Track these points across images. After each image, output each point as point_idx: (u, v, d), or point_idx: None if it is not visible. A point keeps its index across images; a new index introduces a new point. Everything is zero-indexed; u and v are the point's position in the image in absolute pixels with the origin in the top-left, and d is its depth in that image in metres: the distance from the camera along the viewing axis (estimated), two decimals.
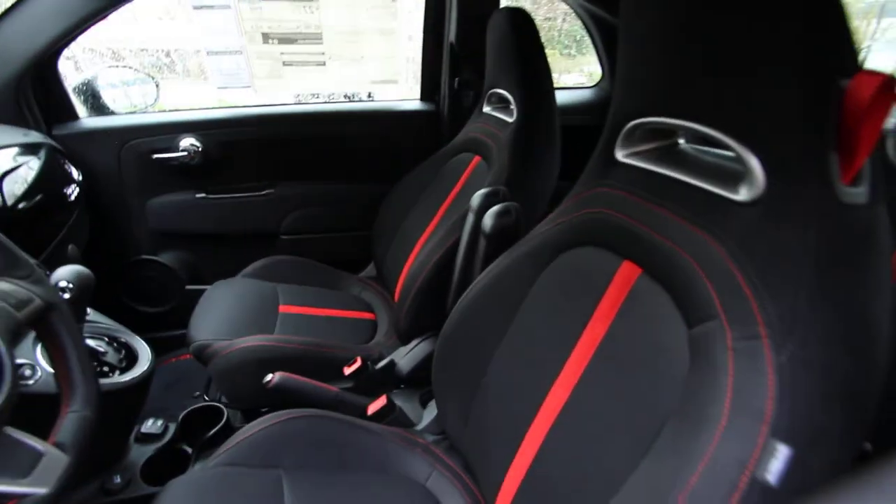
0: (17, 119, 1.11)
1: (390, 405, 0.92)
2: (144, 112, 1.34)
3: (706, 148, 0.60)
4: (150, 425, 0.94)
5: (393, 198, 1.41)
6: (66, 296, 0.70)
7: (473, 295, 0.78)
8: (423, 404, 1.03)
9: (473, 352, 0.77)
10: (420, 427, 0.92)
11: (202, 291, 1.40)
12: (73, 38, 1.11)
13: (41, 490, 0.43)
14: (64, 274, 0.69)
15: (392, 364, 1.07)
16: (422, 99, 1.56)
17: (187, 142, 1.31)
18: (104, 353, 0.79)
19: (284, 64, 1.30)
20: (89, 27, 1.10)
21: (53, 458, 0.46)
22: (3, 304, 0.48)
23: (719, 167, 0.54)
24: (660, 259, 0.53)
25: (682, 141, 0.63)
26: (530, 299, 0.71)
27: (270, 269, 1.34)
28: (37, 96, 1.16)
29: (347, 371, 1.03)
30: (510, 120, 1.10)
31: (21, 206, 0.92)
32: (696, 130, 0.49)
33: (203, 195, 1.39)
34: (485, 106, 1.27)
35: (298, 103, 1.49)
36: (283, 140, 1.42)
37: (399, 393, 1.05)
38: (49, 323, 0.54)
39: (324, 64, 1.30)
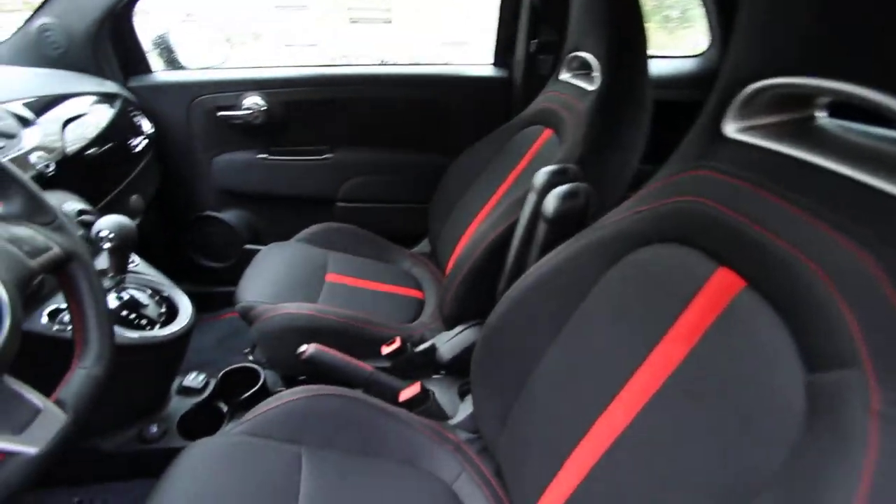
0: (95, 69, 1.15)
1: (423, 394, 0.85)
2: (214, 68, 1.34)
3: (860, 126, 0.44)
4: (192, 379, 0.95)
5: (454, 171, 1.31)
6: (107, 245, 0.69)
7: (526, 285, 0.68)
8: (462, 396, 0.95)
9: (520, 349, 0.68)
10: (454, 422, 0.85)
11: (258, 252, 1.42)
12: None
13: (31, 450, 0.40)
14: (106, 223, 0.68)
15: (433, 348, 1.00)
16: (494, 64, 1.43)
17: (251, 100, 1.30)
18: (145, 306, 0.79)
19: (351, 21, 1.23)
20: None
21: (51, 417, 0.43)
22: (16, 250, 0.45)
23: (883, 153, 0.39)
24: (775, 271, 0.39)
25: (821, 114, 0.48)
26: (592, 298, 0.60)
27: (324, 236, 1.31)
28: (115, 49, 1.18)
29: (385, 350, 0.97)
30: (591, 88, 0.95)
31: (89, 152, 0.95)
32: (863, 98, 0.34)
33: (265, 156, 1.39)
34: (563, 72, 1.12)
35: (363, 64, 1.42)
36: (346, 103, 1.37)
37: (437, 381, 0.99)
38: (68, 273, 0.52)
39: (389, 21, 1.21)
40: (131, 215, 1.09)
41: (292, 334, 0.95)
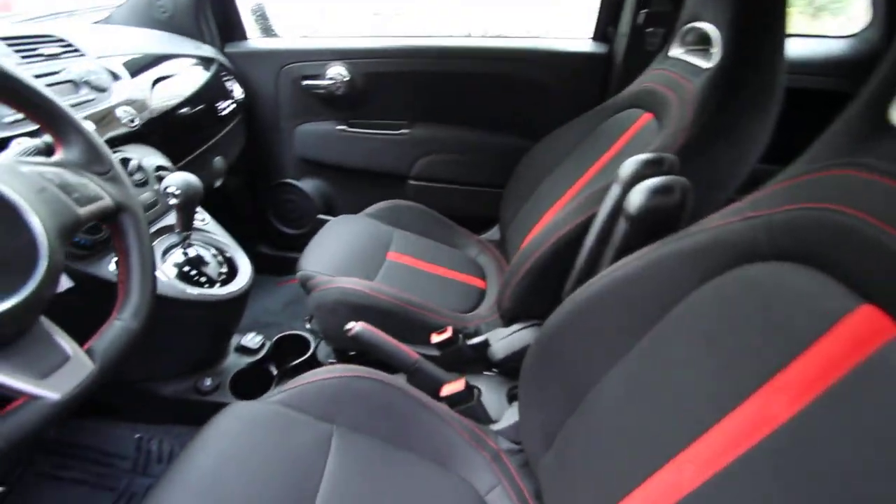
0: (196, 34, 1.20)
1: (467, 392, 0.79)
2: (302, 37, 1.36)
3: None
4: (250, 339, 0.97)
5: (535, 155, 1.21)
6: (173, 201, 0.71)
7: (595, 290, 0.58)
8: (510, 400, 0.88)
9: (579, 361, 0.59)
10: (497, 427, 0.78)
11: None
12: None
13: (52, 395, 0.40)
14: (174, 180, 0.69)
15: (486, 344, 0.93)
16: (593, 38, 1.28)
17: (335, 70, 1.29)
18: (207, 264, 0.81)
19: None
20: None
21: (79, 365, 0.43)
22: (65, 197, 0.45)
23: None
24: None
25: None
26: (676, 318, 0.49)
27: (392, 213, 1.29)
28: (215, 15, 1.23)
29: (435, 339, 0.92)
30: (707, 65, 0.79)
31: (179, 111, 0.99)
32: None
33: (343, 127, 1.39)
34: (674, 48, 0.96)
35: (450, 36, 1.35)
36: (428, 76, 1.31)
37: (485, 379, 0.92)
38: (118, 224, 0.52)
39: None
40: (213, 177, 1.15)
41: (345, 309, 0.94)
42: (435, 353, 0.94)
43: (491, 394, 0.90)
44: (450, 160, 1.40)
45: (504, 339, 0.92)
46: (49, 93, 0.48)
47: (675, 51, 0.96)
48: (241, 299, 0.84)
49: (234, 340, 0.98)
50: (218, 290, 0.79)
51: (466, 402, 0.79)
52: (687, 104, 0.79)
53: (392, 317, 0.94)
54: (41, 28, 0.77)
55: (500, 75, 1.30)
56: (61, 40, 0.78)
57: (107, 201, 0.50)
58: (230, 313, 0.88)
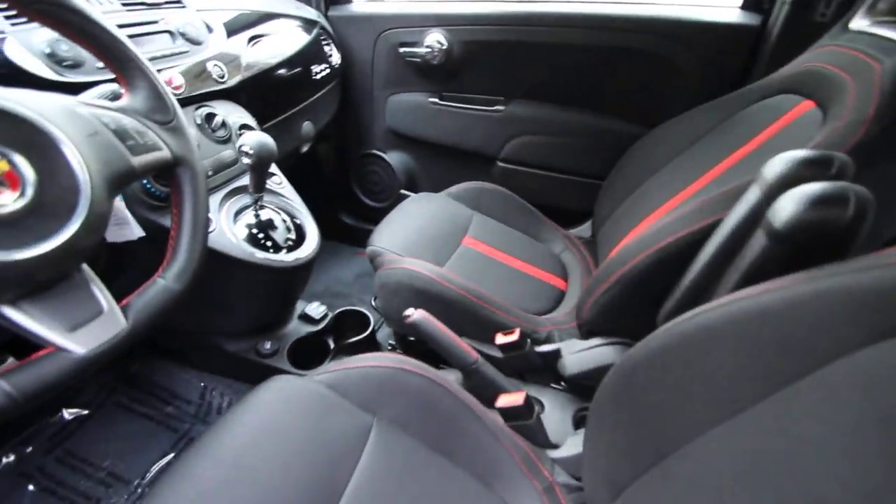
0: None
1: (526, 408, 0.69)
2: (404, 1, 1.29)
3: None
4: (314, 308, 0.96)
5: (647, 144, 1.04)
6: (246, 161, 0.69)
7: (711, 320, 0.45)
8: (576, 425, 0.76)
9: (669, 409, 0.46)
10: (556, 455, 0.67)
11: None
12: None
13: (77, 350, 0.39)
14: (248, 139, 0.67)
15: (557, 354, 0.82)
16: (743, 7, 1.06)
17: (434, 38, 1.22)
18: (275, 229, 0.79)
19: None
20: None
21: (111, 321, 0.41)
22: (119, 144, 0.43)
23: None
24: None
25: None
26: (828, 381, 0.35)
27: (474, 195, 1.20)
28: None
29: (499, 339, 0.83)
30: None
31: (275, 72, 0.99)
32: None
33: (435, 100, 1.31)
34: (858, 18, 0.74)
35: (563, 1, 1.20)
36: (531, 48, 1.18)
37: (550, 394, 0.81)
38: (175, 179, 0.50)
39: None
40: (300, 141, 1.15)
41: (408, 292, 0.88)
42: (497, 354, 0.85)
43: (554, 412, 0.79)
44: (545, 143, 1.27)
45: (579, 353, 0.80)
46: (119, 33, 0.46)
47: (859, 22, 0.74)
48: (305, 267, 0.81)
49: (300, 307, 0.98)
50: (283, 257, 0.77)
51: (524, 419, 0.69)
52: (871, 91, 0.59)
53: (456, 308, 0.86)
54: None
55: (618, 49, 1.13)
56: None
57: (164, 153, 0.47)
58: (294, 280, 0.87)
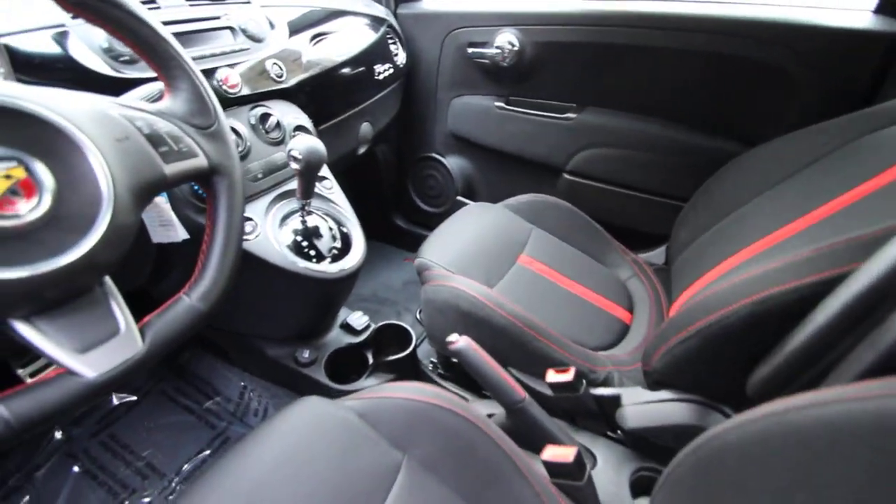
0: None
1: (577, 467, 0.60)
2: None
3: None
4: (356, 318, 0.92)
5: (745, 165, 0.90)
6: (294, 166, 0.65)
7: (835, 418, 0.33)
8: (634, 491, 0.66)
9: None
10: None
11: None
12: None
13: (86, 373, 0.36)
14: (297, 144, 0.63)
15: (616, 401, 0.72)
16: (878, 10, 0.89)
17: (505, 38, 1.14)
18: (320, 237, 0.75)
19: None
20: None
21: (126, 344, 0.38)
22: (151, 150, 0.40)
23: None
24: None
25: None
26: None
27: (534, 209, 1.10)
28: None
29: (551, 377, 0.74)
30: None
31: (336, 71, 0.96)
32: None
33: (501, 104, 1.23)
34: None
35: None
36: (611, 50, 1.07)
37: (605, 445, 0.72)
38: (211, 188, 0.47)
39: None
40: (358, 143, 1.12)
41: (454, 313, 0.81)
42: (547, 391, 0.76)
43: (608, 469, 0.69)
44: (619, 156, 1.15)
45: (643, 406, 0.69)
46: (163, 29, 0.43)
47: None
48: (349, 279, 0.77)
49: (342, 315, 0.95)
50: (326, 267, 0.74)
51: (573, 479, 0.60)
52: None
53: (505, 336, 0.78)
54: None
55: (714, 55, 0.99)
56: None
57: (200, 160, 0.44)
58: (336, 291, 0.83)
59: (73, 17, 0.55)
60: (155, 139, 0.41)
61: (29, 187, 0.33)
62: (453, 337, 0.74)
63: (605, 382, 0.77)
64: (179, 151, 0.42)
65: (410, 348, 0.86)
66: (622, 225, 1.17)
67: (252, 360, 0.93)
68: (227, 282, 0.46)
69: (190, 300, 0.44)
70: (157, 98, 0.47)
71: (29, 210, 0.33)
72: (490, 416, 0.83)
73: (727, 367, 0.62)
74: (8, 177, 0.32)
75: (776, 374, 0.54)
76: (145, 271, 0.74)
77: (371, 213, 1.53)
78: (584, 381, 0.74)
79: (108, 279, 0.40)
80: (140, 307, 0.83)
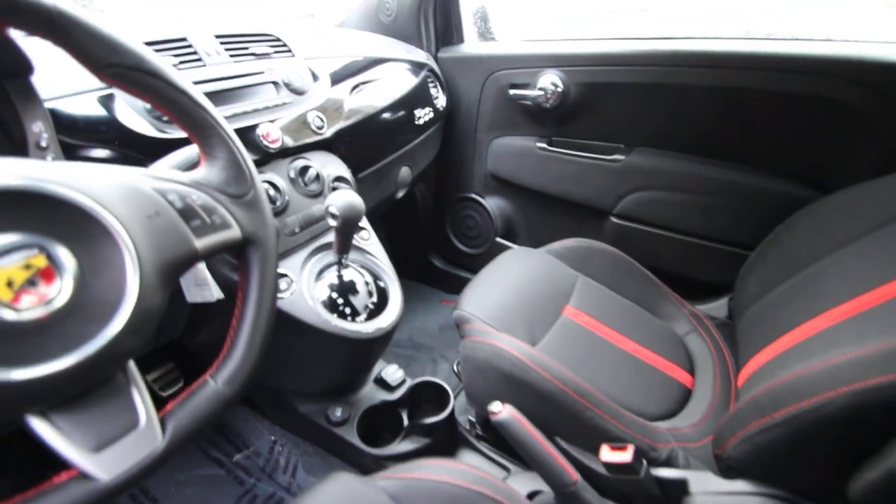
0: (415, 38, 1.16)
1: None
2: (517, 41, 1.20)
3: None
4: (391, 373, 0.88)
5: (822, 212, 0.81)
6: (332, 223, 0.62)
7: None
8: None
9: None
10: None
11: (508, 249, 1.27)
12: None
13: (100, 476, 0.32)
14: (335, 200, 0.61)
15: (682, 488, 0.63)
16: None
17: (548, 79, 1.10)
18: (356, 294, 0.72)
19: None
20: None
21: (145, 438, 0.35)
22: (183, 226, 0.38)
23: None
24: None
25: None
26: None
27: (580, 254, 1.04)
28: (436, 18, 1.17)
29: (606, 456, 0.66)
30: None
31: (375, 118, 0.94)
32: None
33: (544, 145, 1.19)
34: None
35: (705, 38, 1.01)
36: (663, 90, 1.01)
37: None
38: (244, 259, 0.44)
39: None
40: (397, 187, 1.10)
41: (495, 374, 0.75)
42: (601, 470, 0.68)
43: None
44: (674, 200, 1.08)
45: (716, 497, 0.60)
46: (201, 97, 0.41)
47: None
48: (384, 338, 0.73)
49: (377, 368, 0.90)
50: (362, 326, 0.70)
51: None
52: None
53: (552, 405, 0.71)
54: (257, 26, 0.78)
55: (779, 93, 0.92)
56: (276, 39, 0.79)
57: (233, 231, 0.41)
58: (371, 350, 0.79)
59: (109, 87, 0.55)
60: (187, 213, 0.38)
61: (49, 275, 0.30)
62: (496, 406, 0.67)
63: (668, 462, 0.69)
64: (212, 224, 0.40)
65: (448, 411, 0.80)
66: (677, 273, 1.08)
67: (283, 414, 0.90)
68: (255, 364, 0.42)
69: (216, 384, 0.40)
70: (194, 164, 0.45)
71: (48, 301, 0.30)
72: (535, 493, 0.76)
73: (819, 462, 0.52)
74: (28, 266, 0.30)
75: (890, 482, 0.44)
76: (179, 326, 0.72)
77: (408, 253, 1.51)
78: (643, 462, 0.65)
79: (131, 363, 0.37)
80: (171, 354, 0.81)
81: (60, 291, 0.31)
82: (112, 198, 0.34)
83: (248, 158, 0.44)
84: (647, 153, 1.09)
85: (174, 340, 0.78)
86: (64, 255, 0.31)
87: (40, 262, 0.30)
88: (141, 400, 0.36)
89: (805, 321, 0.68)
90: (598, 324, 0.90)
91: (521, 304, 0.90)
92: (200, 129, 0.42)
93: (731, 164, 1.00)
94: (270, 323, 0.44)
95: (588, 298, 0.95)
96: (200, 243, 0.39)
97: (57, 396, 0.32)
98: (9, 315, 0.29)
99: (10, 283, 0.29)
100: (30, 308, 0.30)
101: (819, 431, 0.50)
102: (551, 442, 0.70)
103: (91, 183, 0.33)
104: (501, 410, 0.66)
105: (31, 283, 0.30)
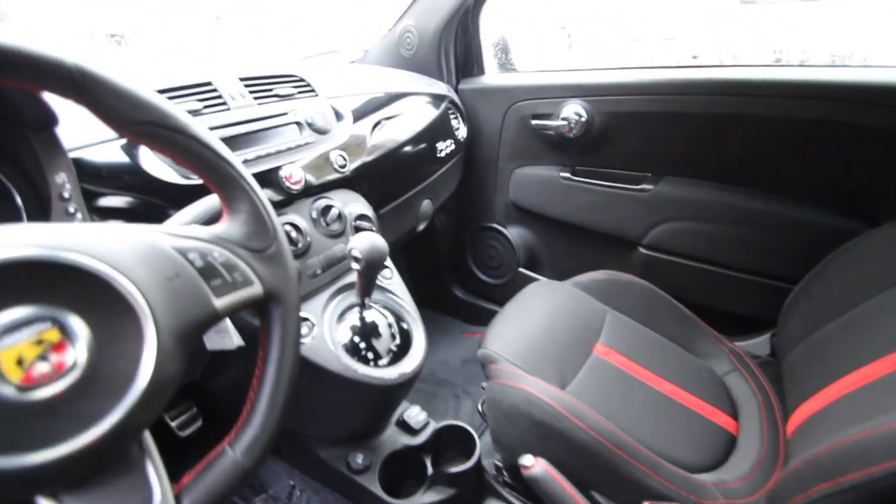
0: (435, 71, 1.17)
1: None
2: (539, 71, 1.19)
3: None
4: (414, 415, 0.84)
5: (871, 247, 0.76)
6: (355, 266, 0.61)
7: None
8: None
9: None
10: None
11: (531, 280, 1.23)
12: None
13: None
14: (358, 243, 0.59)
15: None
16: None
17: (571, 109, 1.09)
18: (379, 337, 0.69)
19: (743, 1, 0.83)
20: None
21: None
22: (203, 286, 0.36)
23: None
24: None
25: None
26: None
27: (608, 287, 1.00)
28: (456, 51, 1.18)
29: None
30: None
31: (396, 153, 0.94)
32: None
33: (567, 175, 1.17)
34: None
35: (734, 66, 0.98)
36: (693, 119, 0.98)
37: None
38: (265, 316, 0.42)
39: None
40: (418, 220, 1.08)
41: (525, 422, 0.71)
42: None
43: None
44: (707, 231, 1.03)
45: None
46: (223, 149, 0.40)
47: None
48: (408, 384, 0.70)
49: (398, 408, 0.86)
50: (385, 373, 0.67)
51: None
52: None
53: (587, 456, 0.66)
54: (282, 67, 0.79)
55: (818, 122, 0.88)
56: (300, 80, 0.79)
57: (255, 289, 0.39)
58: (395, 396, 0.76)
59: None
60: (208, 272, 0.37)
61: (61, 348, 0.29)
62: (527, 460, 0.63)
63: None
64: (233, 283, 0.38)
65: (474, 460, 0.76)
66: (712, 307, 1.03)
67: (303, 458, 0.87)
68: (276, 431, 0.40)
69: (234, 454, 0.38)
70: (216, 214, 0.44)
71: (60, 377, 0.28)
72: None
73: None
74: (39, 341, 0.28)
75: None
76: (198, 370, 0.71)
77: (428, 282, 1.48)
78: None
79: (146, 433, 0.35)
80: (190, 392, 0.79)
81: (74, 366, 0.29)
82: (130, 261, 0.32)
83: (272, 211, 0.43)
84: (676, 182, 1.05)
85: (193, 381, 0.76)
86: (78, 325, 0.29)
87: (53, 335, 0.28)
88: (156, 474, 0.34)
89: (859, 367, 0.63)
90: (631, 363, 0.85)
91: (549, 342, 0.86)
92: (224, 182, 0.40)
93: (767, 195, 0.96)
94: (292, 385, 0.42)
95: (619, 335, 0.91)
96: (220, 303, 0.37)
97: (70, 478, 0.30)
98: (19, 396, 0.27)
99: (20, 361, 0.27)
100: (41, 386, 0.28)
101: (893, 500, 0.45)
102: (587, 498, 0.66)
103: (107, 246, 0.32)
104: (534, 465, 0.62)
105: (42, 358, 0.28)
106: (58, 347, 0.29)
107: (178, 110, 0.37)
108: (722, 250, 1.02)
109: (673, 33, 1.02)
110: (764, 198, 0.96)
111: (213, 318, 0.37)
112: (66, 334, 0.29)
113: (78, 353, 0.29)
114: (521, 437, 0.72)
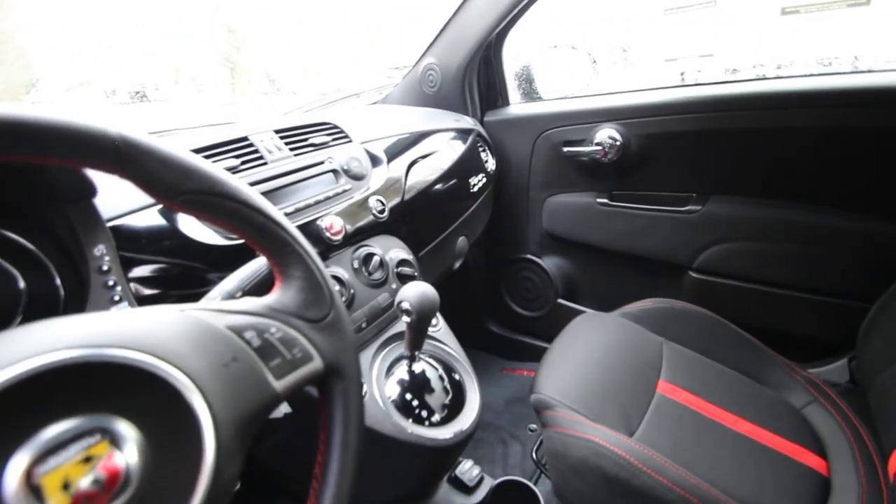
0: (460, 105, 1.15)
1: None
2: (567, 98, 1.17)
3: None
4: (466, 471, 0.78)
5: None
6: (406, 319, 0.57)
7: None
8: None
9: None
10: None
11: (572, 311, 1.17)
12: (517, 19, 1.02)
13: None
14: (408, 295, 0.55)
15: None
16: None
17: (605, 134, 1.05)
18: (431, 392, 0.64)
19: (784, 13, 0.79)
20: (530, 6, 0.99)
21: None
22: (261, 366, 0.32)
23: None
24: None
25: None
26: None
27: (661, 317, 0.93)
28: (479, 83, 1.17)
29: None
30: None
31: (432, 190, 0.91)
32: None
33: (605, 200, 1.12)
34: None
35: (778, 77, 0.94)
36: (741, 134, 0.94)
37: None
38: (326, 392, 0.38)
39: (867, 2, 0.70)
40: (454, 259, 1.04)
41: (596, 477, 0.65)
42: None
43: None
44: (765, 251, 0.97)
45: None
46: (275, 212, 0.37)
47: None
48: (464, 443, 0.64)
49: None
50: (440, 432, 0.62)
51: None
52: None
53: None
54: (314, 116, 0.78)
55: (872, 129, 0.82)
56: (334, 127, 0.78)
57: (315, 364, 0.36)
58: (450, 456, 0.70)
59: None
60: (266, 351, 0.33)
61: (110, 462, 0.25)
62: None
63: None
64: (293, 361, 0.34)
65: None
66: (778, 331, 0.95)
67: None
68: None
69: None
70: (263, 277, 0.40)
71: (111, 499, 0.24)
72: None
73: None
74: (87, 459, 0.24)
75: None
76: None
77: (461, 319, 1.43)
78: None
79: None
80: None
81: (126, 483, 0.25)
82: (183, 350, 0.29)
83: (328, 276, 0.39)
84: (726, 201, 1.00)
85: None
86: (129, 433, 0.26)
87: (102, 449, 0.25)
88: None
89: None
90: (700, 401, 0.78)
91: (607, 382, 0.79)
92: (276, 247, 0.37)
93: (826, 208, 0.90)
94: (355, 471, 0.37)
95: (682, 369, 0.84)
96: (281, 385, 0.33)
97: None
98: None
99: (66, 486, 0.23)
100: None
101: None
102: None
103: (156, 335, 0.28)
104: None
105: (90, 477, 0.24)
106: (108, 463, 0.25)
107: (227, 175, 0.35)
108: (783, 270, 0.95)
109: (710, 49, 0.99)
110: (824, 211, 0.90)
111: (274, 402, 0.33)
112: (117, 445, 0.25)
113: (131, 467, 0.25)
114: (592, 494, 0.65)
